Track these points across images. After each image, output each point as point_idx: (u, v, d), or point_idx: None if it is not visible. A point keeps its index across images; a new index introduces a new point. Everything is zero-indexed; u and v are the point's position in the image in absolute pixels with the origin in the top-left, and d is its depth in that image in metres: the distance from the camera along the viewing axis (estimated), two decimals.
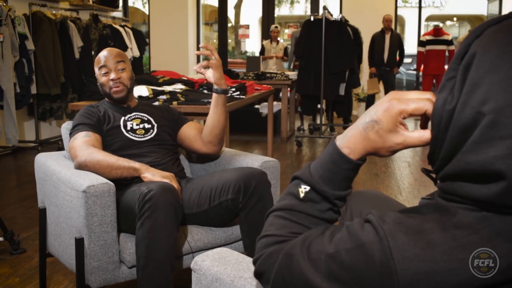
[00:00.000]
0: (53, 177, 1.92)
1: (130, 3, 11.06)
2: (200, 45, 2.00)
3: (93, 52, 6.08)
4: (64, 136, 2.17)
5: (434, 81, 7.99)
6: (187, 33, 9.37)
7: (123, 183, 1.88)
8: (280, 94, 6.77)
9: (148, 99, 2.89)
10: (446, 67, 7.91)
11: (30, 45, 5.13)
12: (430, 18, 18.33)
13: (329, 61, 5.79)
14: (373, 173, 4.60)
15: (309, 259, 0.73)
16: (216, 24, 11.00)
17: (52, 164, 1.99)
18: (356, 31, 6.37)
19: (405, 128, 0.76)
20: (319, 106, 6.17)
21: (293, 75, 6.64)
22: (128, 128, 2.08)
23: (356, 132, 0.78)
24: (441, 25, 8.27)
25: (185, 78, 3.47)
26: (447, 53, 7.89)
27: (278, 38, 8.09)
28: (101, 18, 6.42)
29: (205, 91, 3.31)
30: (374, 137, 0.76)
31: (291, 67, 8.00)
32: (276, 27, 8.16)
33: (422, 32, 9.03)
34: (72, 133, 2.00)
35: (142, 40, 7.19)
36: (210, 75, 2.02)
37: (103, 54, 2.12)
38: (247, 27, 11.76)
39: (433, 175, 0.79)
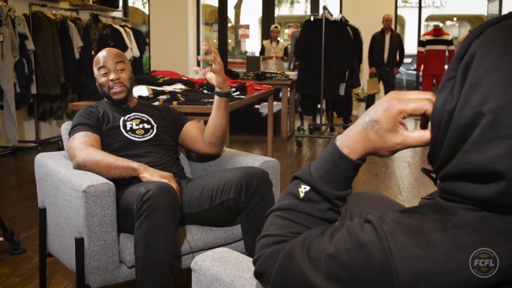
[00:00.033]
0: (53, 177, 1.92)
1: (130, 3, 11.06)
2: (203, 47, 1.99)
3: (93, 52, 6.08)
4: (64, 136, 2.17)
5: (434, 81, 7.99)
6: (187, 33, 9.37)
7: (122, 183, 1.88)
8: (280, 94, 6.77)
9: (148, 99, 2.89)
10: (446, 67, 7.91)
11: (30, 45, 5.13)
12: (430, 18, 18.32)
13: (329, 61, 5.79)
14: (373, 173, 4.60)
15: (309, 259, 0.73)
16: (216, 24, 11.00)
17: (52, 164, 1.99)
18: (356, 31, 6.37)
19: (404, 128, 0.76)
20: (319, 106, 6.18)
21: (293, 75, 6.64)
22: (128, 128, 2.08)
23: (356, 132, 0.78)
24: (441, 25, 8.27)
25: (185, 78, 3.47)
26: (447, 53, 7.89)
27: (278, 38, 8.09)
28: (101, 18, 6.42)
29: (205, 91, 3.31)
30: (374, 137, 0.76)
31: (291, 67, 8.00)
32: (276, 27, 8.16)
33: (422, 32, 9.03)
34: (71, 133, 2.00)
35: (142, 40, 7.19)
36: (210, 76, 2.01)
37: (102, 54, 2.11)
38: (247, 27, 11.76)
39: (433, 175, 0.79)
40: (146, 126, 2.12)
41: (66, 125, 2.18)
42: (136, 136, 2.07)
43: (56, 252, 2.00)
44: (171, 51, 9.23)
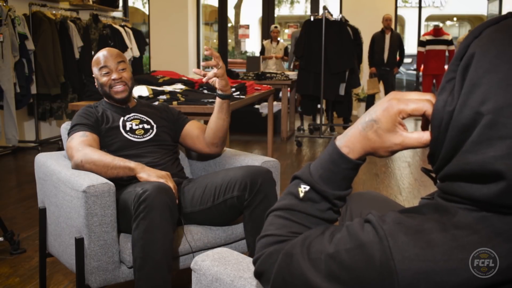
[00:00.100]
0: (53, 177, 1.92)
1: (130, 3, 11.06)
2: (204, 52, 1.99)
3: (93, 52, 6.08)
4: (64, 136, 2.17)
5: (434, 81, 7.99)
6: (187, 33, 9.37)
7: (121, 183, 1.88)
8: (280, 94, 6.77)
9: (148, 99, 2.89)
10: (446, 67, 7.92)
11: (30, 45, 5.13)
12: (430, 18, 18.32)
13: (329, 61, 5.79)
14: (373, 173, 4.60)
15: (309, 259, 0.73)
16: (216, 24, 11.00)
17: (52, 164, 1.99)
18: (356, 31, 6.37)
19: (404, 128, 0.76)
20: (319, 106, 6.18)
21: (293, 75, 6.64)
22: (127, 128, 2.08)
23: (356, 132, 0.78)
24: (441, 25, 8.27)
25: (185, 78, 3.47)
26: (447, 53, 7.89)
27: (278, 38, 8.09)
28: (101, 18, 6.42)
29: (205, 91, 3.31)
30: (373, 137, 0.76)
31: (291, 67, 8.00)
32: (276, 27, 8.16)
33: (422, 32, 9.03)
34: (70, 133, 2.00)
35: (142, 40, 7.19)
36: (213, 79, 2.02)
37: (103, 54, 2.11)
38: (247, 27, 11.76)
39: (433, 175, 0.79)
40: (146, 126, 2.12)
41: (66, 125, 2.18)
42: (136, 136, 2.07)
43: (56, 252, 2.00)
44: (171, 51, 9.23)
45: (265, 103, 6.67)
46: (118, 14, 7.89)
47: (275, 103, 6.40)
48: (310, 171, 0.81)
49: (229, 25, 14.28)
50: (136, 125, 2.10)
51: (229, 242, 2.00)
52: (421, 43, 8.03)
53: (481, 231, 0.65)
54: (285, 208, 0.83)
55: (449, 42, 7.85)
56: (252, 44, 15.94)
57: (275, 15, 9.88)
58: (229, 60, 11.02)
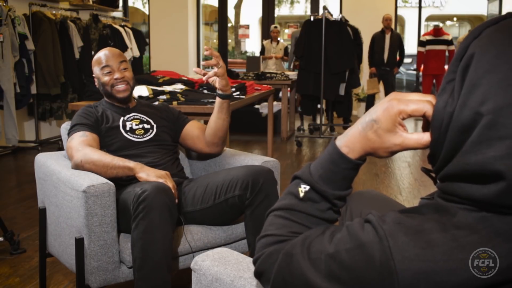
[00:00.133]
0: (53, 177, 1.92)
1: (130, 3, 11.06)
2: (204, 52, 2.00)
3: (93, 52, 6.08)
4: (64, 136, 2.17)
5: (434, 81, 7.99)
6: (187, 33, 9.37)
7: (120, 183, 1.88)
8: (280, 94, 6.77)
9: (148, 99, 2.89)
10: (446, 67, 7.92)
11: (30, 45, 5.13)
12: (430, 18, 18.32)
13: (329, 61, 5.79)
14: (373, 173, 4.60)
15: (309, 259, 0.73)
16: (216, 24, 11.00)
17: (52, 164, 1.99)
18: (356, 31, 6.37)
19: (404, 129, 0.76)
20: (319, 106, 6.18)
21: (293, 75, 6.64)
22: (127, 128, 2.08)
23: (356, 132, 0.78)
24: (441, 25, 8.27)
25: (185, 78, 3.47)
26: (447, 53, 7.89)
27: (278, 38, 8.09)
28: (101, 18, 6.42)
29: (205, 91, 3.31)
30: (373, 137, 0.76)
31: (291, 67, 8.00)
32: (275, 27, 8.16)
33: (422, 32, 9.03)
34: (69, 133, 2.00)
35: (142, 40, 7.19)
36: (213, 79, 2.02)
37: (105, 53, 2.12)
38: (247, 27, 11.76)
39: (433, 175, 0.79)
40: (146, 126, 2.12)
41: (66, 125, 2.18)
42: (136, 136, 2.07)
43: (56, 252, 2.00)
44: (171, 51, 9.23)
45: (265, 103, 6.67)
46: (118, 14, 7.89)
47: (275, 103, 6.40)
48: (310, 171, 0.81)
49: (229, 25, 14.28)
50: (136, 125, 2.10)
51: (229, 242, 2.00)
52: (421, 43, 8.03)
53: (481, 231, 0.65)
54: (285, 208, 0.83)
55: (449, 42, 7.85)
56: (252, 44, 15.94)
57: (275, 15, 9.88)
58: (229, 60, 11.02)
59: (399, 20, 13.37)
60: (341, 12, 8.81)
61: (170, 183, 1.77)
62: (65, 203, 1.82)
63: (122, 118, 2.10)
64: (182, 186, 2.04)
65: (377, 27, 7.78)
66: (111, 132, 2.05)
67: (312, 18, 6.05)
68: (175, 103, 2.94)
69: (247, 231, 1.93)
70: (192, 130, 2.20)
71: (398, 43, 7.65)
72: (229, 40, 14.62)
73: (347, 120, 6.75)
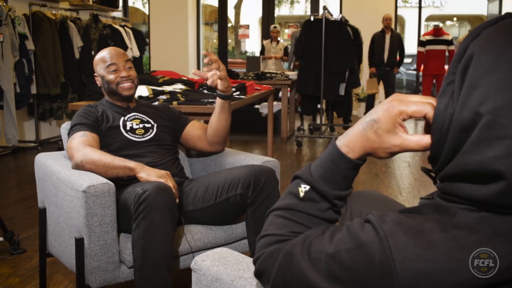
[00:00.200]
0: (53, 177, 1.92)
1: (130, 3, 11.06)
2: (204, 60, 2.01)
3: (93, 52, 6.08)
4: (64, 136, 2.17)
5: (434, 81, 7.99)
6: (187, 33, 9.37)
7: (121, 183, 1.88)
8: (280, 94, 6.76)
9: (148, 99, 2.89)
10: (446, 67, 7.92)
11: (30, 45, 5.13)
12: (430, 18, 18.32)
13: (329, 61, 5.79)
14: (373, 173, 4.60)
15: (309, 259, 0.73)
16: (216, 24, 11.00)
17: (52, 164, 1.99)
18: (356, 31, 6.37)
19: (404, 130, 0.76)
20: (319, 106, 6.18)
21: (293, 75, 6.64)
22: (128, 128, 2.08)
23: (356, 132, 0.78)
24: (441, 25, 8.27)
25: (185, 78, 3.47)
26: (447, 53, 7.89)
27: (278, 38, 8.09)
28: (101, 18, 6.42)
29: (205, 91, 3.31)
30: (373, 137, 0.77)
31: (291, 67, 8.00)
32: (275, 27, 8.15)
33: (422, 32, 9.03)
34: (70, 133, 2.00)
35: (142, 40, 7.19)
36: (214, 77, 2.03)
37: (110, 52, 2.12)
38: (247, 27, 11.76)
39: (433, 174, 0.79)
40: (146, 126, 2.12)
41: (66, 125, 2.18)
42: (136, 136, 2.07)
43: (56, 252, 2.00)
44: (171, 51, 9.23)
45: (265, 103, 6.67)
46: (118, 14, 7.89)
47: (275, 103, 6.40)
48: (311, 171, 0.81)
49: (229, 25, 14.28)
50: (136, 124, 2.10)
51: (229, 242, 2.00)
52: (421, 43, 8.03)
53: (481, 231, 0.65)
54: (285, 207, 0.83)
55: (449, 42, 7.85)
56: (252, 44, 15.94)
57: (275, 15, 9.88)
58: (229, 60, 11.02)
59: (399, 20, 13.37)
60: (341, 12, 8.81)
61: (171, 183, 1.77)
62: (65, 203, 1.82)
63: (122, 118, 2.10)
64: (183, 186, 2.05)
65: (377, 27, 7.79)
66: (111, 132, 2.05)
67: (312, 18, 6.05)
68: (175, 103, 2.94)
69: (248, 230, 1.93)
70: (193, 130, 2.21)
71: (398, 43, 7.65)
72: (229, 40, 14.62)
73: (347, 120, 6.75)
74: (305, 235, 0.77)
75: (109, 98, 2.16)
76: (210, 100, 2.96)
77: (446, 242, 0.65)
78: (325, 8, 5.92)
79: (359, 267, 0.68)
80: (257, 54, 9.54)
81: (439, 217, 0.69)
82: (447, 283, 0.64)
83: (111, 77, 2.09)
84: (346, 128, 6.64)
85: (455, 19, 19.80)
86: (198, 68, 9.86)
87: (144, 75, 3.78)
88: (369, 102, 7.71)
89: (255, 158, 2.14)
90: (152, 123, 2.14)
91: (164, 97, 2.99)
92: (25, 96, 5.19)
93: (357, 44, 6.39)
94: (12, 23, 4.88)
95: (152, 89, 3.00)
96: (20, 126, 5.47)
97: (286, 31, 15.24)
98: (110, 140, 2.03)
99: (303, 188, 0.81)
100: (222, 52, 9.70)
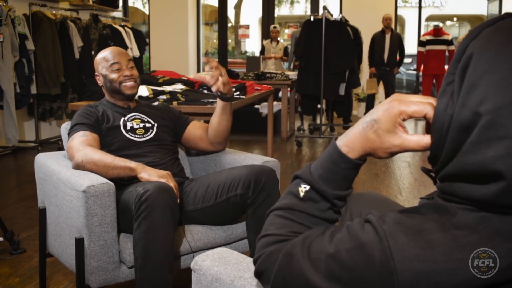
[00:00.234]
0: (53, 177, 1.92)
1: (130, 3, 11.06)
2: (206, 68, 2.03)
3: (93, 52, 6.08)
4: (64, 136, 2.17)
5: (434, 81, 7.99)
6: (187, 33, 9.37)
7: (122, 183, 1.88)
8: (280, 94, 6.76)
9: (148, 99, 2.89)
10: (446, 67, 7.92)
11: (30, 45, 5.13)
12: (430, 18, 18.32)
13: (329, 61, 5.79)
14: (373, 173, 4.60)
15: (309, 259, 0.73)
16: (216, 24, 11.00)
17: (52, 164, 1.99)
18: (356, 31, 6.37)
19: (404, 130, 0.76)
20: (319, 106, 6.18)
21: (293, 75, 6.64)
22: (128, 128, 2.08)
23: (356, 132, 0.78)
24: (441, 25, 8.27)
25: (185, 78, 3.47)
26: (447, 53, 7.90)
27: (278, 38, 8.09)
28: (101, 18, 6.42)
29: (205, 91, 3.31)
30: (372, 137, 0.77)
31: (291, 67, 8.00)
32: (275, 27, 8.15)
33: (422, 32, 9.03)
34: (70, 133, 2.00)
35: (142, 40, 7.19)
36: (219, 84, 2.04)
37: (112, 51, 2.13)
38: (247, 27, 11.76)
39: (433, 174, 0.79)
40: (147, 125, 2.12)
41: (66, 125, 2.18)
42: (136, 136, 2.07)
43: (56, 252, 2.00)
44: (171, 51, 9.23)
45: (265, 103, 6.67)
46: (118, 14, 7.89)
47: (275, 103, 6.40)
48: (311, 171, 0.81)
49: (229, 25, 14.28)
50: (137, 124, 2.11)
51: (229, 242, 2.00)
52: (421, 43, 8.03)
53: (481, 231, 0.65)
54: (285, 207, 0.83)
55: (449, 42, 7.85)
56: (252, 44, 15.94)
57: (275, 15, 9.88)
58: (229, 60, 11.02)
59: (399, 20, 13.37)
60: (341, 12, 8.81)
61: (172, 183, 1.78)
62: (65, 203, 1.82)
63: (123, 118, 2.10)
64: (184, 186, 2.05)
65: (377, 27, 7.79)
66: (111, 131, 2.05)
67: (312, 18, 6.05)
68: (175, 103, 2.94)
69: (248, 230, 1.93)
70: (194, 130, 2.22)
71: (398, 43, 7.65)
72: (229, 40, 14.62)
73: (347, 120, 6.75)
74: (305, 235, 0.77)
75: (110, 98, 2.16)
76: (210, 100, 2.96)
77: (446, 242, 0.65)
78: (325, 8, 5.92)
79: (359, 267, 0.68)
80: (257, 54, 9.54)
81: (439, 217, 0.69)
82: (447, 283, 0.64)
83: (114, 76, 2.09)
84: (346, 128, 6.64)
85: (455, 19, 19.80)
86: (198, 68, 9.87)
87: (144, 75, 3.78)
88: (369, 102, 7.71)
89: (255, 158, 2.14)
90: (153, 123, 2.14)
91: (164, 97, 2.99)
92: (25, 96, 5.19)
93: (357, 44, 6.39)
94: (12, 23, 4.88)
95: (152, 89, 3.00)
96: (20, 126, 5.47)
97: (286, 31, 15.24)
98: (110, 140, 2.03)
99: (303, 188, 0.81)
100: (222, 52, 9.70)
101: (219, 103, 2.13)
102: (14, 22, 4.91)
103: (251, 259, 0.97)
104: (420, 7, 9.36)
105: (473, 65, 0.67)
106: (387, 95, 7.56)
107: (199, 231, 1.92)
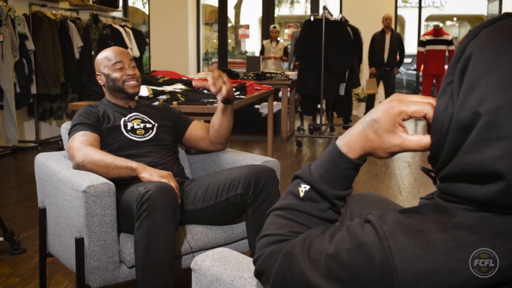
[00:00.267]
0: (53, 177, 1.92)
1: (130, 3, 11.06)
2: (210, 81, 2.04)
3: (93, 52, 6.08)
4: (64, 136, 2.17)
5: (434, 81, 7.99)
6: (187, 33, 9.37)
7: (122, 183, 1.88)
8: (280, 94, 6.76)
9: (148, 99, 2.89)
10: (446, 67, 7.91)
11: (30, 45, 5.13)
12: (430, 18, 18.32)
13: (329, 61, 5.79)
14: (373, 173, 4.60)
15: (309, 259, 0.73)
16: (216, 24, 11.00)
17: (52, 164, 1.99)
18: (356, 31, 6.37)
19: (404, 130, 0.76)
20: (319, 106, 6.18)
21: (293, 75, 6.64)
22: (129, 128, 2.08)
23: (356, 131, 0.78)
24: (441, 25, 8.27)
25: (185, 78, 3.47)
26: (447, 53, 7.90)
27: (278, 38, 8.09)
28: (101, 18, 6.42)
29: (205, 91, 3.31)
30: (372, 136, 0.77)
31: (291, 67, 8.00)
32: (274, 27, 8.15)
33: (422, 32, 9.03)
34: (70, 133, 2.00)
35: (142, 40, 7.19)
36: (224, 93, 2.07)
37: (115, 50, 2.14)
38: (247, 27, 11.76)
39: (433, 174, 0.79)
40: (147, 126, 2.12)
41: (66, 125, 2.18)
42: (137, 136, 2.08)
43: (56, 252, 2.00)
44: (171, 51, 9.24)
45: (265, 103, 6.67)
46: (118, 14, 7.89)
47: (275, 103, 6.40)
48: (311, 171, 0.81)
49: (229, 25, 14.28)
50: (137, 124, 2.11)
51: (229, 242, 2.00)
52: (421, 43, 8.03)
53: (481, 231, 0.65)
54: (285, 207, 0.83)
55: (449, 42, 7.85)
56: (252, 44, 15.94)
57: (275, 15, 9.88)
58: (229, 60, 11.01)
59: (399, 20, 13.37)
60: (341, 12, 8.81)
61: (173, 183, 1.78)
62: (65, 203, 1.82)
63: (123, 118, 2.10)
64: (184, 186, 2.05)
65: (377, 27, 7.78)
66: (112, 131, 2.05)
67: (312, 18, 6.05)
68: (175, 103, 2.94)
69: (248, 230, 1.93)
70: (196, 131, 2.23)
71: (398, 43, 7.65)
72: (229, 40, 14.62)
73: (347, 120, 6.75)
74: (305, 235, 0.77)
75: (111, 98, 2.16)
76: (210, 100, 2.96)
77: (446, 242, 0.65)
78: (325, 8, 5.92)
79: (359, 267, 0.68)
80: (257, 54, 9.54)
81: (439, 217, 0.69)
82: (447, 283, 0.64)
83: (116, 75, 2.10)
84: (346, 128, 6.64)
85: (455, 19, 19.80)
86: (198, 68, 9.87)
87: (144, 75, 3.78)
88: (369, 102, 7.71)
89: (255, 158, 2.14)
90: (153, 123, 2.14)
91: (164, 97, 2.99)
92: (25, 96, 5.19)
93: (357, 44, 6.39)
94: (12, 23, 4.88)
95: (152, 89, 3.00)
96: (20, 126, 5.47)
97: (286, 31, 15.24)
98: (111, 140, 2.03)
99: (303, 188, 0.81)
100: (222, 52, 9.70)
101: (220, 105, 2.14)
102: (14, 22, 4.91)
103: (251, 259, 0.97)
104: (420, 7, 9.36)
105: (472, 65, 0.67)
106: (387, 95, 7.56)
107: (199, 231, 1.92)
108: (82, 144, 1.90)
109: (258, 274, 0.82)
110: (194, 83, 2.03)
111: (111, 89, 2.13)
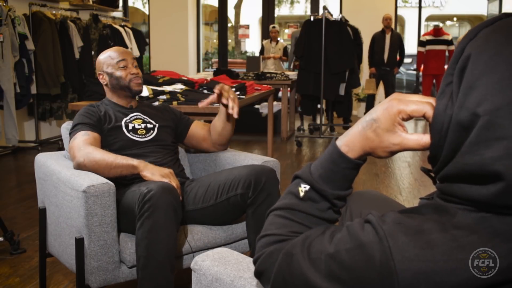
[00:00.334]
0: (53, 177, 1.92)
1: (130, 3, 11.06)
2: (223, 101, 2.03)
3: (93, 52, 6.08)
4: (64, 136, 2.17)
5: (434, 81, 7.99)
6: (187, 33, 9.37)
7: (123, 182, 1.89)
8: (280, 94, 6.76)
9: (148, 99, 2.89)
10: (446, 67, 7.91)
11: (30, 45, 5.13)
12: (430, 18, 18.32)
13: (329, 61, 5.79)
14: (373, 173, 4.60)
15: (309, 259, 0.73)
16: (216, 24, 11.00)
17: (52, 164, 1.99)
18: (356, 31, 6.37)
19: (403, 129, 0.76)
20: (319, 106, 6.18)
21: (293, 75, 6.64)
22: (130, 128, 2.08)
23: (356, 131, 0.78)
24: (441, 25, 8.27)
25: (185, 78, 3.47)
26: (447, 53, 7.90)
27: (278, 38, 8.09)
28: (101, 18, 6.42)
29: (205, 91, 3.31)
30: (372, 136, 0.77)
31: (291, 67, 8.00)
32: (274, 27, 8.15)
33: (422, 32, 9.03)
34: (71, 132, 2.01)
35: (142, 40, 7.20)
36: (236, 111, 2.05)
37: (118, 50, 2.15)
38: (247, 27, 11.77)
39: (433, 174, 0.79)
40: (148, 126, 2.13)
41: (66, 125, 2.18)
42: (138, 136, 2.08)
43: (56, 252, 2.00)
44: (171, 51, 9.24)
45: (265, 103, 6.67)
46: (118, 14, 7.89)
47: (275, 103, 6.40)
48: (311, 171, 0.81)
49: (229, 25, 14.28)
50: (138, 125, 2.11)
51: (229, 242, 2.00)
52: (421, 43, 8.03)
53: (481, 231, 0.65)
54: (285, 207, 0.83)
55: (449, 42, 7.85)
56: (252, 44, 15.93)
57: (275, 15, 9.88)
58: (229, 60, 11.01)
59: (399, 20, 13.37)
60: (341, 12, 8.81)
61: (174, 182, 1.78)
62: (65, 203, 1.82)
63: (124, 118, 2.11)
64: (184, 186, 2.05)
65: (377, 27, 7.79)
66: (113, 131, 2.05)
67: (312, 18, 6.05)
68: (175, 103, 2.94)
69: (248, 230, 1.93)
70: (197, 131, 2.23)
71: (398, 43, 7.65)
72: (229, 40, 14.62)
73: (347, 120, 6.75)
74: (305, 235, 0.77)
75: (113, 97, 2.16)
76: None
77: (446, 242, 0.65)
78: (325, 8, 5.92)
79: (359, 267, 0.68)
80: (257, 54, 9.54)
81: (438, 217, 0.69)
82: (447, 283, 0.64)
83: (121, 73, 2.10)
84: (346, 128, 6.64)
85: (455, 19, 19.80)
86: (198, 68, 9.87)
87: (144, 75, 3.79)
88: (369, 102, 7.71)
89: (255, 158, 2.14)
90: (154, 123, 2.15)
91: (164, 97, 2.99)
92: (25, 96, 5.19)
93: (357, 44, 6.39)
94: (12, 23, 4.88)
95: (152, 89, 3.00)
96: (20, 126, 5.47)
97: (286, 31, 15.24)
98: (112, 140, 2.03)
99: (303, 188, 0.81)
100: (222, 52, 9.70)
101: (224, 111, 2.13)
102: (14, 22, 4.91)
103: (251, 259, 0.97)
104: (420, 7, 9.36)
105: (471, 66, 0.67)
106: (387, 95, 7.56)
107: (199, 231, 1.92)
108: (83, 143, 1.90)
109: (258, 274, 0.82)
110: (200, 105, 2.05)
111: (115, 87, 2.13)
